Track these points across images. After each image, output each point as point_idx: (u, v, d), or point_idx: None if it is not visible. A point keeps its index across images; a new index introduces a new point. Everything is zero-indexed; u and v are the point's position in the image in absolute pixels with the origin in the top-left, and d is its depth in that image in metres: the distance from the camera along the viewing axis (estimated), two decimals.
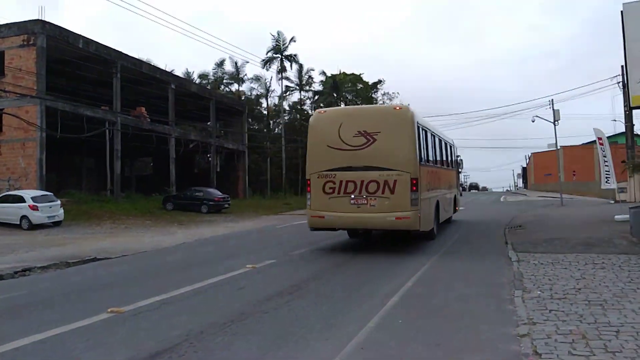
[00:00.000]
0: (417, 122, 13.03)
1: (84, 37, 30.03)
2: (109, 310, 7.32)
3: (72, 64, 29.57)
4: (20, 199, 22.20)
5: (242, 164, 47.91)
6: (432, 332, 6.14)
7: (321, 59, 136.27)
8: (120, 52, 32.99)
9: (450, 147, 19.74)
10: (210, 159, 45.21)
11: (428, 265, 10.79)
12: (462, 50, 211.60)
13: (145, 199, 34.54)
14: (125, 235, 19.76)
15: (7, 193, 23.80)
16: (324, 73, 62.65)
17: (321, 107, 63.51)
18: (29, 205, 21.82)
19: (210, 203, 31.93)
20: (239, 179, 47.64)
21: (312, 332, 6.23)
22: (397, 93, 71.07)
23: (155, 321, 6.89)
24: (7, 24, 28.62)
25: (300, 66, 60.91)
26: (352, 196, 12.47)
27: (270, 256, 12.51)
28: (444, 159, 17.88)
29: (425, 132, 14.25)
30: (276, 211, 33.67)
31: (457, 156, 21.73)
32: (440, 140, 17.05)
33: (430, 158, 14.97)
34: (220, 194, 33.54)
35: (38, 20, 27.69)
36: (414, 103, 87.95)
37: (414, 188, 12.21)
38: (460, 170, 22.89)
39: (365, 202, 12.39)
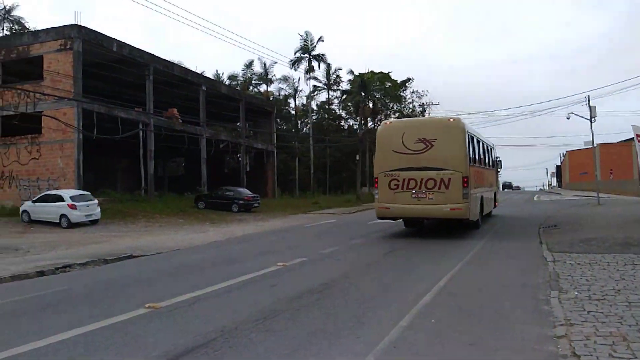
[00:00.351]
0: (467, 131, 15.64)
1: (118, 40, 30.67)
2: (146, 305, 7.49)
3: (106, 67, 30.23)
4: (60, 199, 22.83)
5: (271, 164, 48.23)
6: (465, 332, 6.08)
7: (349, 58, 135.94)
8: (153, 54, 33.59)
9: (492, 149, 21.86)
10: (240, 158, 45.64)
11: (459, 266, 10.69)
12: (492, 46, 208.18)
13: (178, 198, 35.11)
14: (160, 234, 20.12)
15: (47, 192, 24.46)
16: (351, 72, 62.62)
17: (349, 106, 64.00)
18: (67, 205, 22.42)
19: (241, 202, 32.25)
20: (268, 179, 47.97)
21: (344, 330, 6.25)
22: (427, 91, 70.46)
23: (190, 317, 7.02)
24: (45, 29, 29.47)
25: (328, 66, 61.12)
26: (414, 191, 15.18)
27: (300, 254, 12.59)
28: (487, 160, 20.06)
29: (473, 138, 16.61)
30: (305, 210, 33.77)
31: (497, 157, 23.70)
32: (484, 145, 19.38)
33: (477, 160, 17.20)
34: (250, 193, 33.85)
35: (74, 25, 28.40)
36: (443, 101, 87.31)
37: (465, 184, 14.82)
38: (499, 170, 24.95)
39: (425, 196, 15.08)
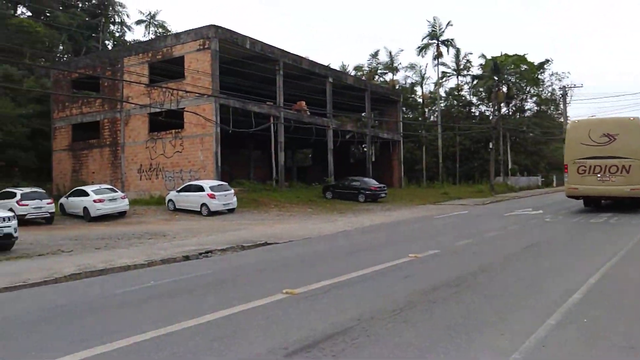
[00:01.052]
0: None
1: (251, 38, 32.12)
2: (283, 291, 7.74)
3: (240, 63, 31.83)
4: (200, 189, 24.57)
5: (397, 153, 47.76)
6: (623, 333, 5.53)
7: (480, 41, 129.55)
8: (282, 49, 34.72)
9: None
10: (365, 149, 45.75)
11: (614, 261, 9.75)
12: None
13: (306, 188, 36.14)
14: (291, 222, 20.82)
15: (189, 183, 26.42)
16: (483, 56, 59.92)
17: (480, 92, 61.37)
18: (207, 194, 24.03)
19: (367, 192, 32.31)
20: (394, 168, 47.58)
21: (485, 325, 5.98)
22: (568, 73, 65.42)
23: (326, 304, 7.12)
24: (185, 31, 31.74)
25: (458, 50, 59.12)
26: (598, 175, 19.23)
27: (432, 246, 12.27)
28: None
29: None
30: (433, 201, 32.98)
31: None
32: None
33: None
34: (377, 183, 33.80)
35: (211, 25, 30.22)
36: (588, 83, 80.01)
37: None
38: None
39: (608, 179, 19.08)
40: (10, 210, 17.46)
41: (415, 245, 12.76)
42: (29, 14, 46.61)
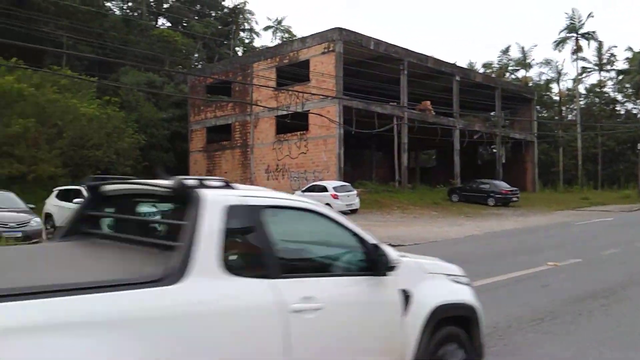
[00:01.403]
0: None
1: (375, 38, 32.01)
2: None
3: (363, 64, 31.85)
4: (324, 189, 24.90)
5: (530, 155, 44.78)
6: None
7: (626, 33, 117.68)
8: (407, 49, 34.18)
9: None
10: (494, 150, 43.54)
11: None
12: None
13: (430, 190, 35.13)
14: (415, 225, 20.32)
15: (314, 183, 26.97)
16: (630, 49, 54.44)
17: (626, 89, 55.72)
18: (331, 195, 24.26)
19: (498, 196, 30.66)
20: (527, 171, 44.66)
21: None
22: None
23: None
24: (311, 35, 32.47)
25: (600, 44, 54.38)
26: None
27: (573, 255, 11.20)
28: None
29: None
30: (572, 206, 30.45)
31: None
32: None
33: None
34: (508, 186, 31.94)
35: (336, 28, 30.59)
36: None
37: None
38: None
39: None
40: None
41: (554, 252, 11.73)
42: (169, 24, 50.88)
